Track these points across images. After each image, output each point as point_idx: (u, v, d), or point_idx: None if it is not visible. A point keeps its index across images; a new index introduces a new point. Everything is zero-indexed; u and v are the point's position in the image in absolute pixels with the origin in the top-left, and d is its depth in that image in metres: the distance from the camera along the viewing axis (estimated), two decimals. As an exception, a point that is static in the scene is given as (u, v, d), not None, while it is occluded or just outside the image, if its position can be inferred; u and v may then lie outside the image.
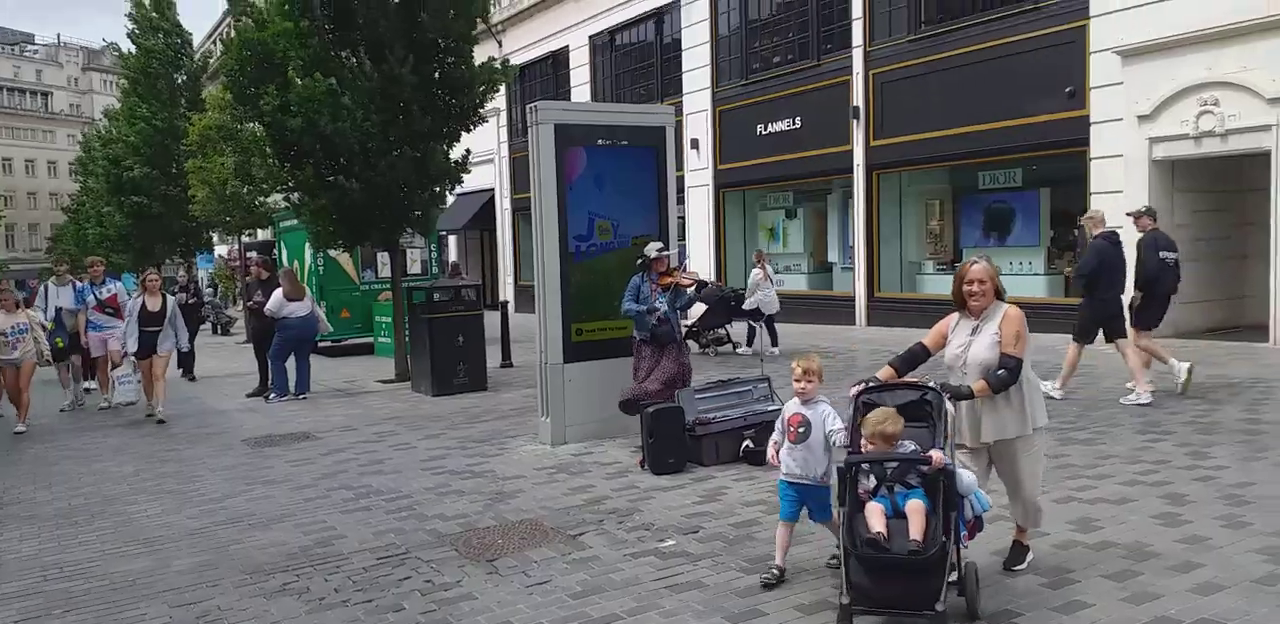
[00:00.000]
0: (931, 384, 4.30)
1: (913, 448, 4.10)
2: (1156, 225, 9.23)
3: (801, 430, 4.51)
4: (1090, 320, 9.09)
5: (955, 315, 4.58)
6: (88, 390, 12.41)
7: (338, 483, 7.11)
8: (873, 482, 4.06)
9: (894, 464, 4.05)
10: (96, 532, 6.12)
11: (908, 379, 4.43)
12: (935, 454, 3.94)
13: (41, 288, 12.64)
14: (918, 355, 4.55)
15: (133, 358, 10.65)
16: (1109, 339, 9.15)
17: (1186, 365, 8.84)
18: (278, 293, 11.70)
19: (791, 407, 4.62)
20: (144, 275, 11.07)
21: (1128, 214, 9.66)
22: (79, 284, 12.01)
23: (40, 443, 9.48)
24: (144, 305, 10.34)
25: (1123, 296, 9.04)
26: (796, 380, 4.57)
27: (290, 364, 11.81)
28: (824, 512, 4.56)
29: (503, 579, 4.84)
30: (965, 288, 4.46)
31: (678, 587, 4.62)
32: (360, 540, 5.63)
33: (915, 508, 3.89)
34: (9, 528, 6.31)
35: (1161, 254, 8.93)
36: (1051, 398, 8.52)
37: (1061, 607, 4.14)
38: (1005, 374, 4.28)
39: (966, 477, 4.02)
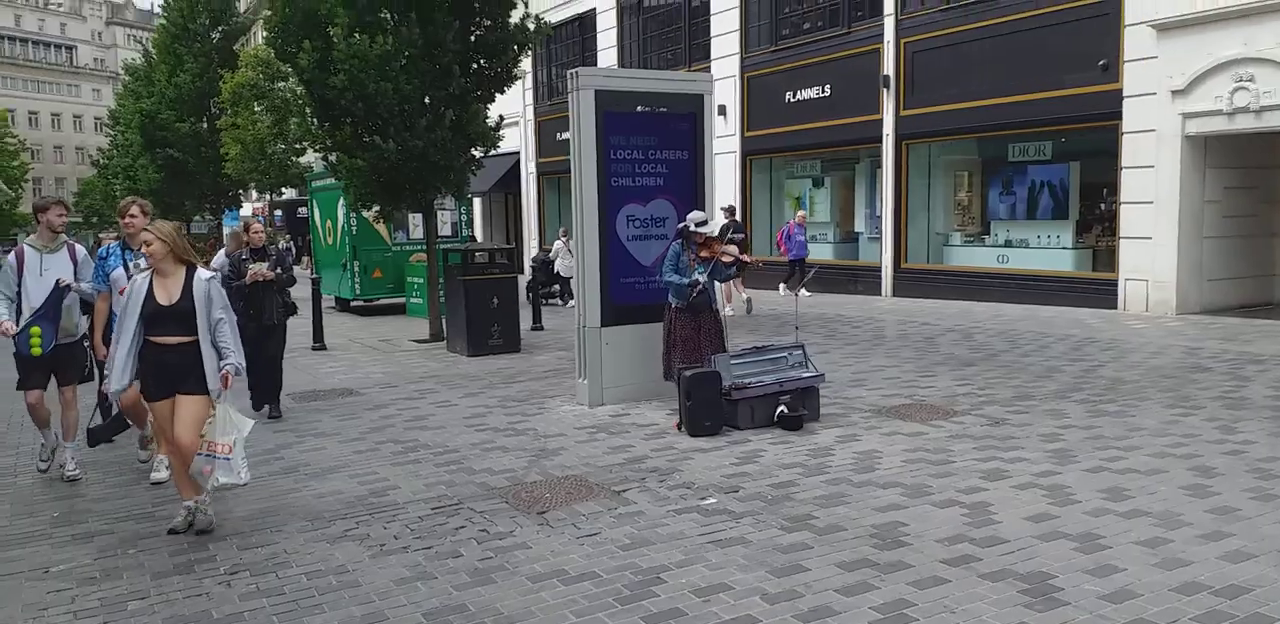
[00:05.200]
0: None
1: None
2: (734, 218, 15.20)
3: None
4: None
5: None
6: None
7: (385, 437, 7.33)
8: None
9: None
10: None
11: None
12: None
13: (10, 256, 6.44)
14: None
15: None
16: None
17: (745, 296, 14.74)
18: (221, 252, 11.32)
19: None
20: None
21: (721, 208, 13.95)
22: (79, 248, 6.53)
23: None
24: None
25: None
26: None
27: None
28: None
29: (554, 530, 5.05)
30: None
31: (722, 542, 4.80)
32: (413, 491, 5.85)
33: None
34: (73, 473, 6.54)
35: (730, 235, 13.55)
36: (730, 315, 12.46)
37: (1094, 570, 4.28)
38: None
39: None
